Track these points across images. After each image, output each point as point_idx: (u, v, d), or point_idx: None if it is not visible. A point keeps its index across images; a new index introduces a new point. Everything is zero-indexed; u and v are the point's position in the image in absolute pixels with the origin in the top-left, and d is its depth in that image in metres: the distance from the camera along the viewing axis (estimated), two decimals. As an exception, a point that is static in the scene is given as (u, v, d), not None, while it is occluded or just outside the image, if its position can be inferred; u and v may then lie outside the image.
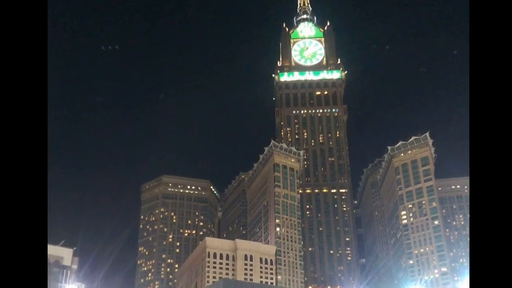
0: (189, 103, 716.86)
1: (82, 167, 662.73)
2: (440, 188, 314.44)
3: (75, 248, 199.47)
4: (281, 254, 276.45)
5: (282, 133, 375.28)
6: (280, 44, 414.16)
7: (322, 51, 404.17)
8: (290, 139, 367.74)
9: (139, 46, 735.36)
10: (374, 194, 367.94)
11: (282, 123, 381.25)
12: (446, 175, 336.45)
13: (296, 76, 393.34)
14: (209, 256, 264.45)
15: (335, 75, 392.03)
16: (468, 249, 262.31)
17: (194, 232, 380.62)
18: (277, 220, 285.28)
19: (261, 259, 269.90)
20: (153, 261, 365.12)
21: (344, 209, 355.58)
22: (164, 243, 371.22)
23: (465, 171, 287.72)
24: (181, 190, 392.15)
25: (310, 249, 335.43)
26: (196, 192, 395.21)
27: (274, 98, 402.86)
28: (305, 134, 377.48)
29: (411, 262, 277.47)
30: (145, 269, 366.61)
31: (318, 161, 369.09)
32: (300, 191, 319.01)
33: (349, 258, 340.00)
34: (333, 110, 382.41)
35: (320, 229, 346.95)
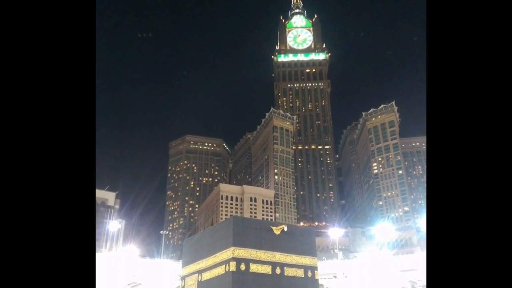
0: (207, 79, 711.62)
1: (122, 128, 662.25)
2: (403, 145, 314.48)
3: (117, 192, 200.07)
4: (279, 196, 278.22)
5: (280, 102, 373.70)
6: (278, 32, 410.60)
7: (311, 38, 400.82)
8: (286, 107, 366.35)
9: (167, 34, 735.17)
10: (351, 149, 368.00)
11: (279, 94, 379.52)
12: (408, 135, 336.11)
13: (290, 57, 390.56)
14: (222, 198, 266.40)
15: (321, 56, 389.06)
16: (425, 193, 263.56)
17: (210, 179, 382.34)
18: (275, 170, 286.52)
19: (263, 200, 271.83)
20: (178, 202, 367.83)
21: (328, 161, 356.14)
22: (187, 188, 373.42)
23: (423, 131, 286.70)
24: (200, 147, 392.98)
25: (301, 193, 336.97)
26: (212, 148, 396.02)
27: (273, 75, 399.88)
28: (298, 103, 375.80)
29: (381, 203, 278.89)
30: (172, 208, 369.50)
31: (308, 124, 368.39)
32: (293, 147, 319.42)
33: (332, 200, 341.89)
34: (320, 84, 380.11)
35: (309, 177, 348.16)
